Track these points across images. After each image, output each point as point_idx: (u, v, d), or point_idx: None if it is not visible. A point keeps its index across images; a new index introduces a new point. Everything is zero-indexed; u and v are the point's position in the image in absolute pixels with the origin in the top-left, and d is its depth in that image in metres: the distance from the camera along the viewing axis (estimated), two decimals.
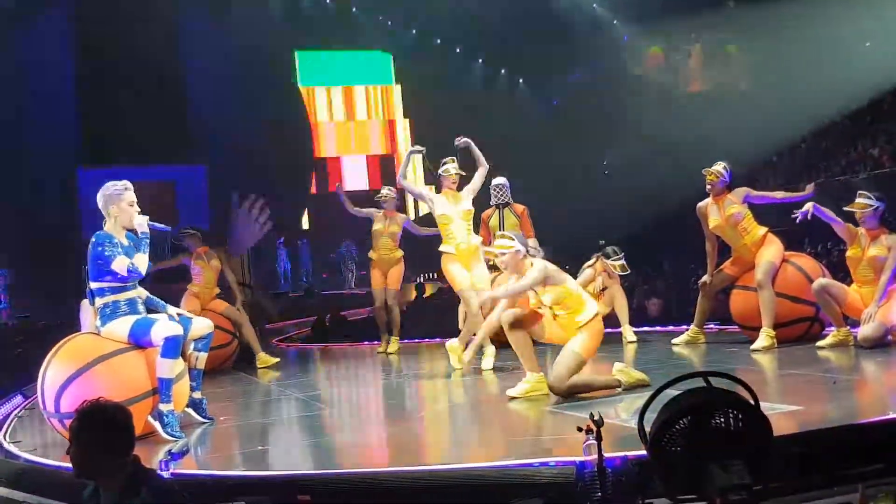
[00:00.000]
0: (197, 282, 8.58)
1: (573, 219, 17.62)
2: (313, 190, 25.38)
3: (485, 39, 23.39)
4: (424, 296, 14.44)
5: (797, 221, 6.96)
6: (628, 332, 8.29)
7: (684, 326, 8.04)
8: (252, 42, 22.41)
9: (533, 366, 5.79)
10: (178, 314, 5.58)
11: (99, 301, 5.33)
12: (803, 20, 18.54)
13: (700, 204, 7.56)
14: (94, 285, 5.34)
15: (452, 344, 7.28)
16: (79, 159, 21.21)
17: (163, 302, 5.61)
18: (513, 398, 5.72)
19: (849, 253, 7.00)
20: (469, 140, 7.54)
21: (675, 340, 7.77)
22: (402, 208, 13.30)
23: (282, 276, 21.24)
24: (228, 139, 21.60)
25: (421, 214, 19.84)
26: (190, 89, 22.71)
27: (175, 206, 20.04)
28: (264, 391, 7.75)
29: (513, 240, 5.81)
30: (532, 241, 7.59)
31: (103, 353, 5.22)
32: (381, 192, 9.30)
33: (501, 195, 8.63)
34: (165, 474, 3.97)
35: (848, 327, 6.84)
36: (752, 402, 2.63)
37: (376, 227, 9.08)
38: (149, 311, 5.48)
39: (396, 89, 26.62)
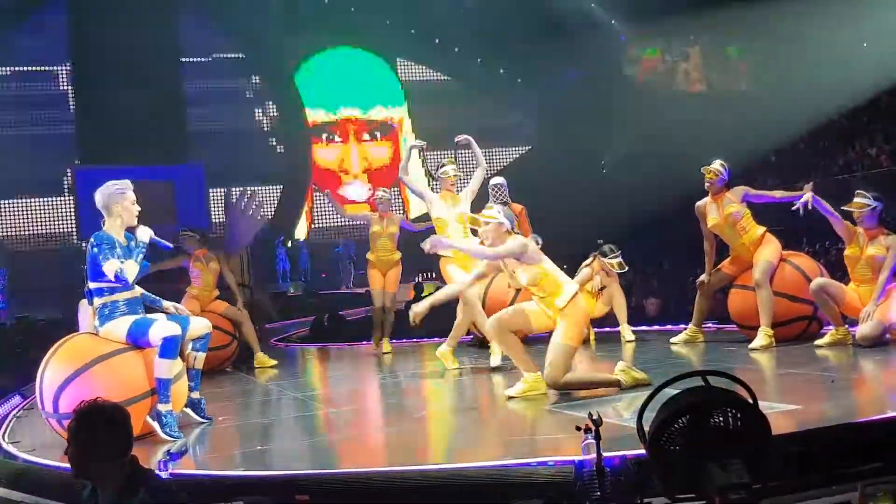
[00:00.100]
0: (196, 284, 8.56)
1: (571, 219, 17.61)
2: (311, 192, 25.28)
3: (484, 39, 23.36)
4: (423, 295, 14.41)
5: (800, 213, 6.95)
6: (627, 331, 8.29)
7: (683, 325, 8.05)
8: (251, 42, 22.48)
9: (528, 366, 5.80)
10: (176, 307, 5.60)
11: (97, 301, 5.32)
12: (801, 20, 18.57)
13: (699, 203, 7.57)
14: (92, 285, 5.33)
15: (442, 350, 7.31)
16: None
17: (157, 297, 5.61)
18: (510, 398, 5.73)
19: (847, 252, 7.00)
20: (470, 138, 7.57)
21: (673, 339, 7.77)
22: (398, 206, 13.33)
23: (280, 276, 21.22)
24: (228, 140, 21.64)
25: (419, 214, 19.83)
26: (189, 89, 22.71)
27: (174, 204, 19.99)
28: (263, 391, 7.75)
29: (499, 213, 5.85)
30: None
31: (102, 354, 5.21)
32: (377, 194, 9.33)
33: (500, 195, 8.64)
34: (164, 474, 3.96)
35: (846, 326, 6.84)
36: (750, 401, 2.63)
37: (374, 229, 9.06)
38: (147, 309, 5.48)
39: (406, 117, 25.54)
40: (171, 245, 5.74)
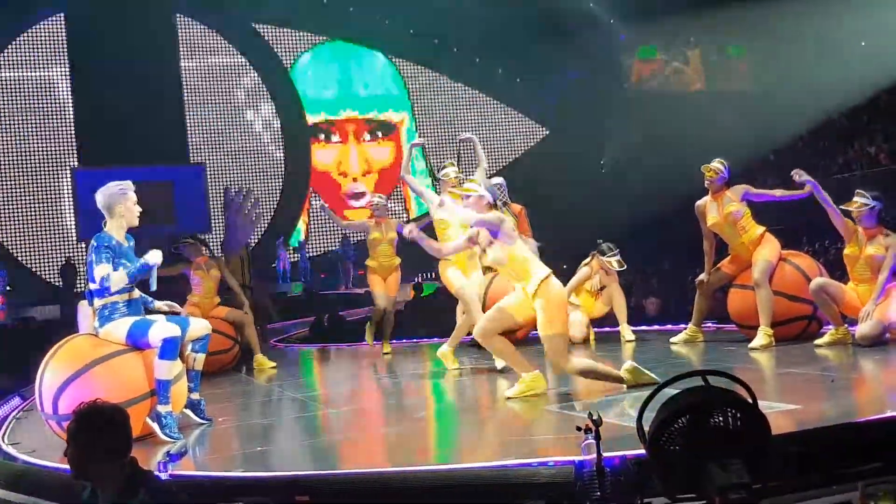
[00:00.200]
0: (197, 292, 8.53)
1: (571, 219, 17.63)
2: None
3: (483, 39, 23.37)
4: (423, 295, 14.42)
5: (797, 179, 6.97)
6: (626, 330, 8.28)
7: (682, 325, 8.04)
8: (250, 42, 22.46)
9: (524, 366, 5.78)
10: (169, 306, 5.61)
11: (97, 302, 5.32)
12: (801, 20, 18.58)
13: (698, 202, 7.56)
14: (92, 286, 5.33)
15: (443, 351, 7.30)
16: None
17: (149, 298, 5.58)
18: (509, 398, 5.72)
19: (846, 251, 6.99)
20: (473, 136, 7.58)
21: (673, 339, 7.77)
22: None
23: (280, 277, 21.22)
24: (228, 140, 21.63)
25: (419, 214, 19.83)
26: (189, 90, 22.71)
27: (173, 205, 19.99)
28: (263, 392, 7.75)
29: (480, 186, 5.95)
30: (531, 243, 7.58)
31: (101, 355, 5.20)
32: (373, 200, 9.22)
33: (499, 195, 8.61)
34: (163, 475, 3.95)
35: (846, 326, 6.84)
36: (750, 400, 2.63)
37: (374, 235, 8.94)
38: (146, 311, 5.48)
39: (407, 119, 25.20)
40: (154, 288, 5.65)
